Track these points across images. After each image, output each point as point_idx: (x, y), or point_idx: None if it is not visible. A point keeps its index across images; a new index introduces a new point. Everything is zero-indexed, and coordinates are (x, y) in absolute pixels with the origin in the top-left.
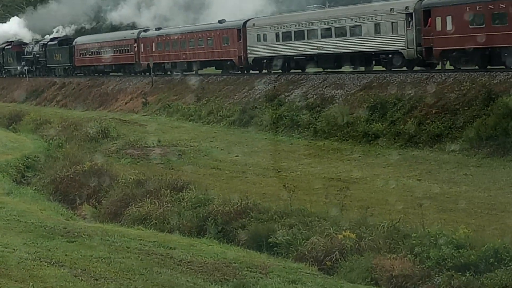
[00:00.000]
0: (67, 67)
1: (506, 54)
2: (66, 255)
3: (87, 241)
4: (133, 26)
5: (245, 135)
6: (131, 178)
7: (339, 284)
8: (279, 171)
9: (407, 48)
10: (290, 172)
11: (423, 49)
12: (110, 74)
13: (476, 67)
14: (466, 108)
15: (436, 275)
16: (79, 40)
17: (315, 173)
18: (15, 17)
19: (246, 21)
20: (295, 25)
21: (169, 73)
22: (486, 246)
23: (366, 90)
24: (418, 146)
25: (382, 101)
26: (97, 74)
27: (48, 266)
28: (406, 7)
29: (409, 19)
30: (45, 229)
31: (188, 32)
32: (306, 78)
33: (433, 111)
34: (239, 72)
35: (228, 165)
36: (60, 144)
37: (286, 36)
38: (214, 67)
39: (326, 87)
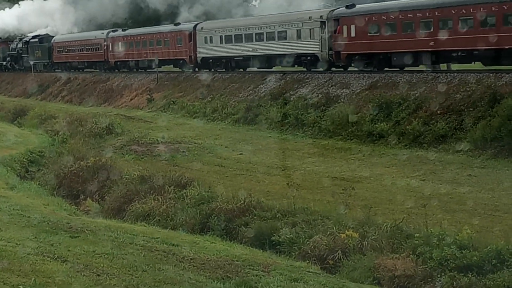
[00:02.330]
0: (46, 63)
1: (395, 58)
2: (69, 250)
3: (90, 237)
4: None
5: (250, 133)
6: (135, 174)
7: (341, 283)
8: (283, 169)
9: (321, 51)
10: (294, 171)
11: (334, 53)
12: (85, 70)
13: (375, 69)
14: (471, 109)
15: (439, 276)
16: (57, 38)
17: (319, 171)
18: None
19: (196, 24)
20: (235, 29)
21: (134, 70)
22: (489, 247)
23: (371, 90)
24: (422, 146)
25: (387, 100)
26: (72, 70)
27: (51, 261)
28: (321, 16)
29: (323, 26)
30: (48, 224)
31: (149, 33)
32: (311, 77)
33: (438, 112)
34: (190, 70)
35: (232, 162)
36: (65, 139)
37: (228, 39)
38: (171, 65)
39: (332, 86)
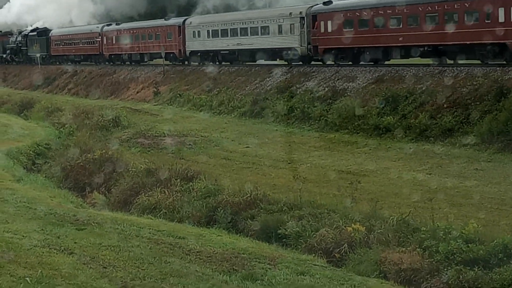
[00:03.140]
0: (44, 56)
1: (368, 53)
2: (75, 242)
3: (96, 229)
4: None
5: (256, 126)
6: (141, 167)
7: (347, 276)
8: (289, 163)
9: (301, 46)
10: (300, 164)
11: (312, 47)
12: (81, 63)
13: (350, 63)
14: (478, 103)
15: (445, 270)
16: (55, 31)
17: (325, 165)
18: None
19: (185, 19)
20: (221, 24)
21: (127, 63)
22: (495, 241)
23: (377, 83)
24: (429, 140)
25: (394, 94)
26: (69, 63)
27: (57, 253)
28: (300, 12)
29: (303, 22)
30: (54, 216)
31: (141, 27)
32: (318, 70)
33: (445, 105)
34: (180, 63)
35: (238, 155)
36: (71, 132)
37: (215, 33)
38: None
39: (338, 79)
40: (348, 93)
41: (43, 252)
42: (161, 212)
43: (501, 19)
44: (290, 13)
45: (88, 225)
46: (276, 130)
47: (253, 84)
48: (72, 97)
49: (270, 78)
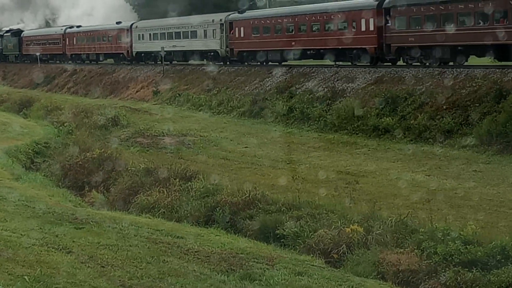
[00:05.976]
0: (16, 55)
1: (270, 55)
2: (73, 241)
3: (95, 228)
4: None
5: (255, 126)
6: (140, 166)
7: (345, 277)
8: (288, 163)
9: (221, 48)
10: (299, 164)
11: (229, 50)
12: (48, 62)
13: (257, 63)
14: (477, 104)
15: (443, 271)
16: (25, 33)
17: (324, 166)
18: None
19: (132, 23)
20: (160, 29)
21: (87, 62)
22: (494, 243)
23: (377, 84)
24: (428, 141)
25: (393, 95)
26: (39, 62)
27: (55, 252)
28: (221, 19)
29: (223, 28)
30: (53, 215)
31: (96, 30)
32: (317, 71)
33: (444, 107)
34: (129, 63)
35: (237, 156)
36: (70, 131)
37: (155, 36)
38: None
39: (338, 80)
40: (348, 94)
41: (42, 251)
42: (160, 211)
43: (363, 28)
44: (213, 20)
45: (86, 224)
46: (275, 130)
47: (252, 84)
48: (72, 96)
49: (269, 78)
